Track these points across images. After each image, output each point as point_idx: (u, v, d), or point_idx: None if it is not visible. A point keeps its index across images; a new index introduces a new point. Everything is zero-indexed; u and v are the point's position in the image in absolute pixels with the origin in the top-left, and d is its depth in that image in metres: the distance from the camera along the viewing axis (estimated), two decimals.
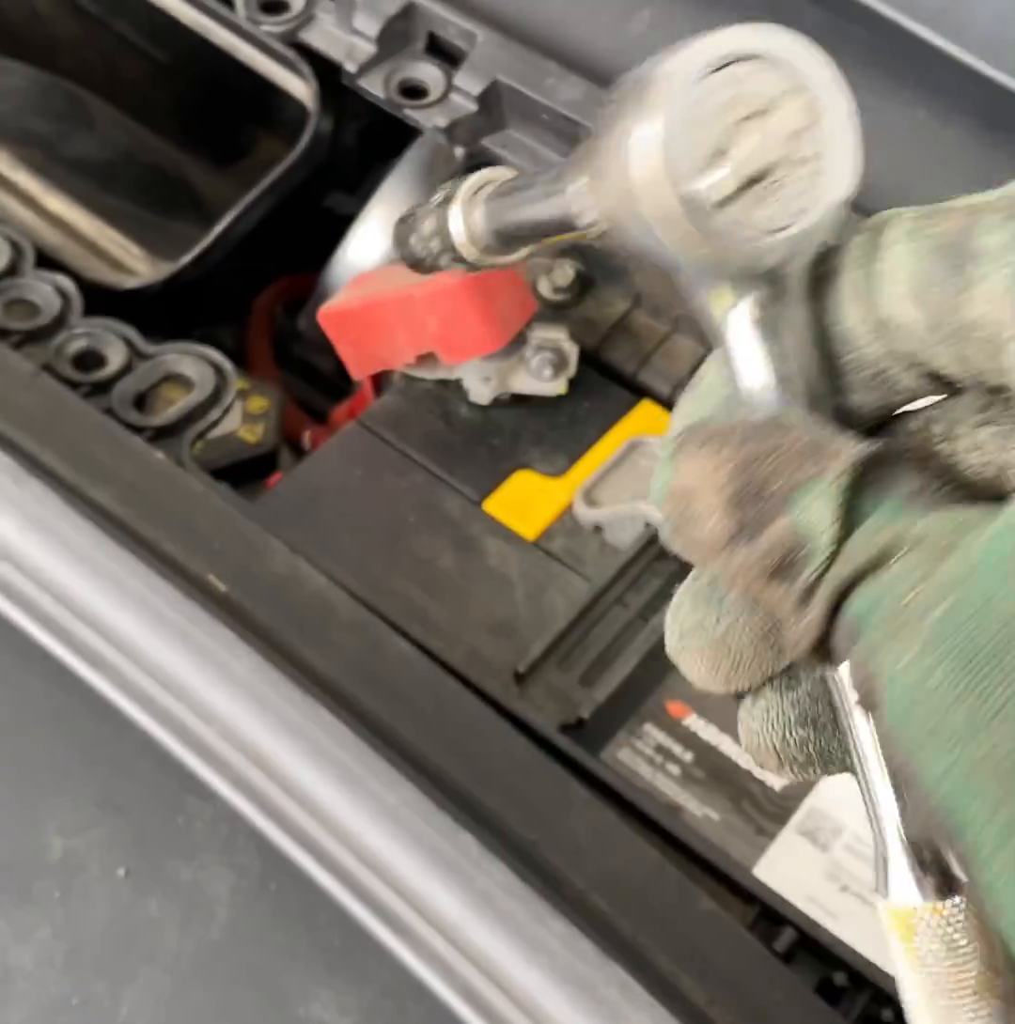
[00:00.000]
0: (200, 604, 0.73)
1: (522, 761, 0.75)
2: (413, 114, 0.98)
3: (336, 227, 1.18)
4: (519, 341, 0.98)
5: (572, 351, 0.99)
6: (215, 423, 0.90)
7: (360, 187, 1.28)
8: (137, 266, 1.09)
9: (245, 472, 1.04)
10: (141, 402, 0.91)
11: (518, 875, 0.66)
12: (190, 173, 1.42)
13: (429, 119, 0.98)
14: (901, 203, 0.36)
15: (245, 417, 1.07)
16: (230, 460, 1.04)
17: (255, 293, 1.31)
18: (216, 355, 0.93)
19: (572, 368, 0.99)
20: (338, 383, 1.21)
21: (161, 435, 0.89)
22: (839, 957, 0.72)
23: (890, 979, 0.73)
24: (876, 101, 0.79)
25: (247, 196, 1.05)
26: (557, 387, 0.99)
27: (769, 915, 0.75)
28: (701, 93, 0.33)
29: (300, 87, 1.14)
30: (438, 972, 0.67)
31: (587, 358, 1.05)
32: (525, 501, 0.96)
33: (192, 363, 0.92)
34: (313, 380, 1.25)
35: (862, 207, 0.36)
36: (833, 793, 0.83)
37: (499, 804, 0.72)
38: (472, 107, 0.97)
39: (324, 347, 1.22)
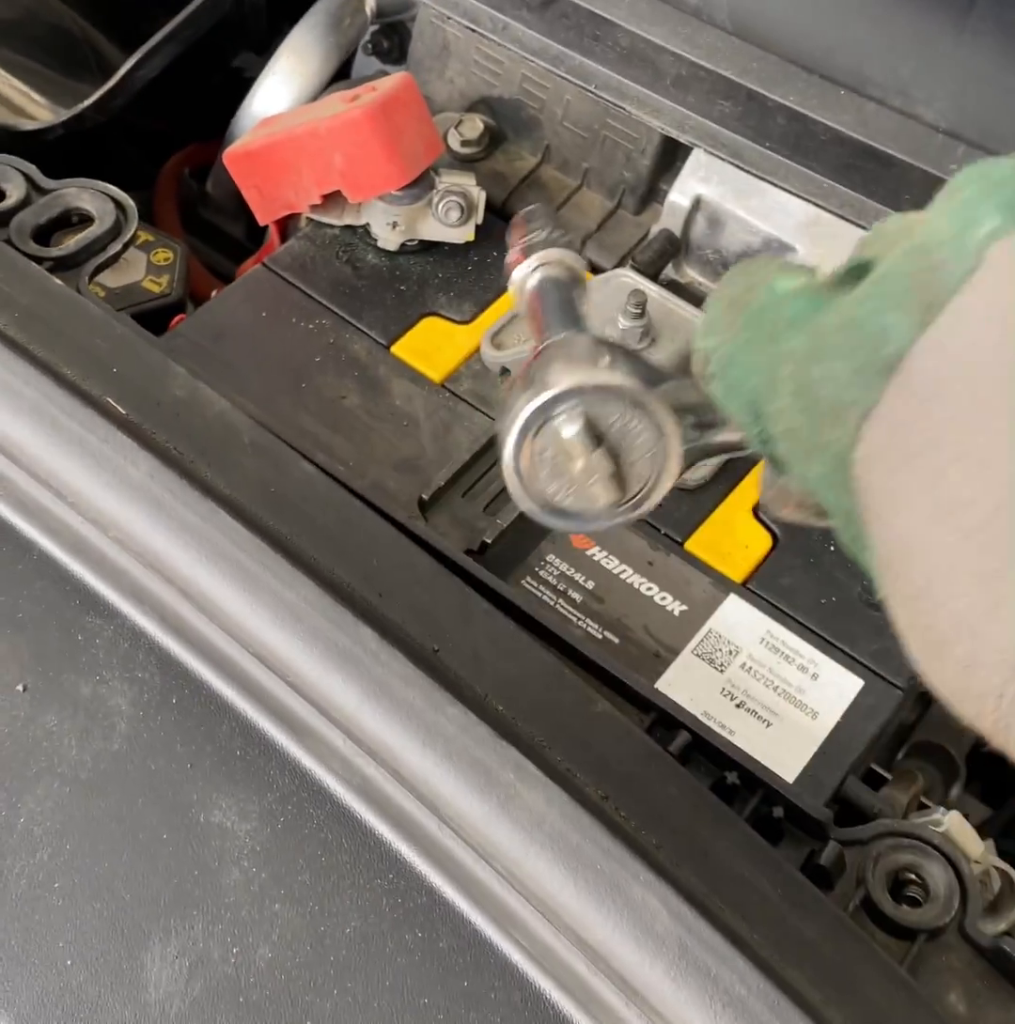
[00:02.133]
0: (97, 411, 0.72)
1: (424, 576, 0.75)
2: None
3: (245, 90, 1.17)
4: (427, 185, 0.97)
5: (480, 197, 0.98)
6: (116, 256, 0.89)
7: (270, 47, 1.26)
8: (40, 114, 1.07)
9: (150, 324, 1.03)
10: (40, 236, 0.90)
11: (416, 663, 0.66)
12: (101, 44, 1.39)
13: None
14: None
15: (150, 268, 1.06)
16: (134, 310, 1.02)
17: (164, 162, 1.29)
18: (117, 191, 0.91)
19: (480, 214, 0.98)
20: (246, 247, 1.20)
21: (60, 267, 0.88)
22: (732, 759, 0.74)
23: (783, 781, 0.75)
24: None
25: (151, 40, 1.03)
26: (465, 233, 0.99)
27: (665, 721, 0.76)
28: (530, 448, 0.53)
29: None
30: (336, 772, 0.67)
31: (497, 211, 1.05)
32: (433, 346, 0.95)
33: (91, 198, 0.91)
34: (221, 245, 1.23)
35: None
36: (730, 619, 0.85)
37: (400, 616, 0.73)
38: None
39: (232, 211, 1.21)
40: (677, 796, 0.70)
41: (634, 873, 0.61)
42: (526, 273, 0.65)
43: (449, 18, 0.94)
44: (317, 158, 0.92)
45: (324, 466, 0.80)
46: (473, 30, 0.93)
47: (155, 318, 1.03)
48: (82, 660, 0.74)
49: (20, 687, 0.74)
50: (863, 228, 0.86)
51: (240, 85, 1.20)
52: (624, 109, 0.91)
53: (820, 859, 0.71)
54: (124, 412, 0.79)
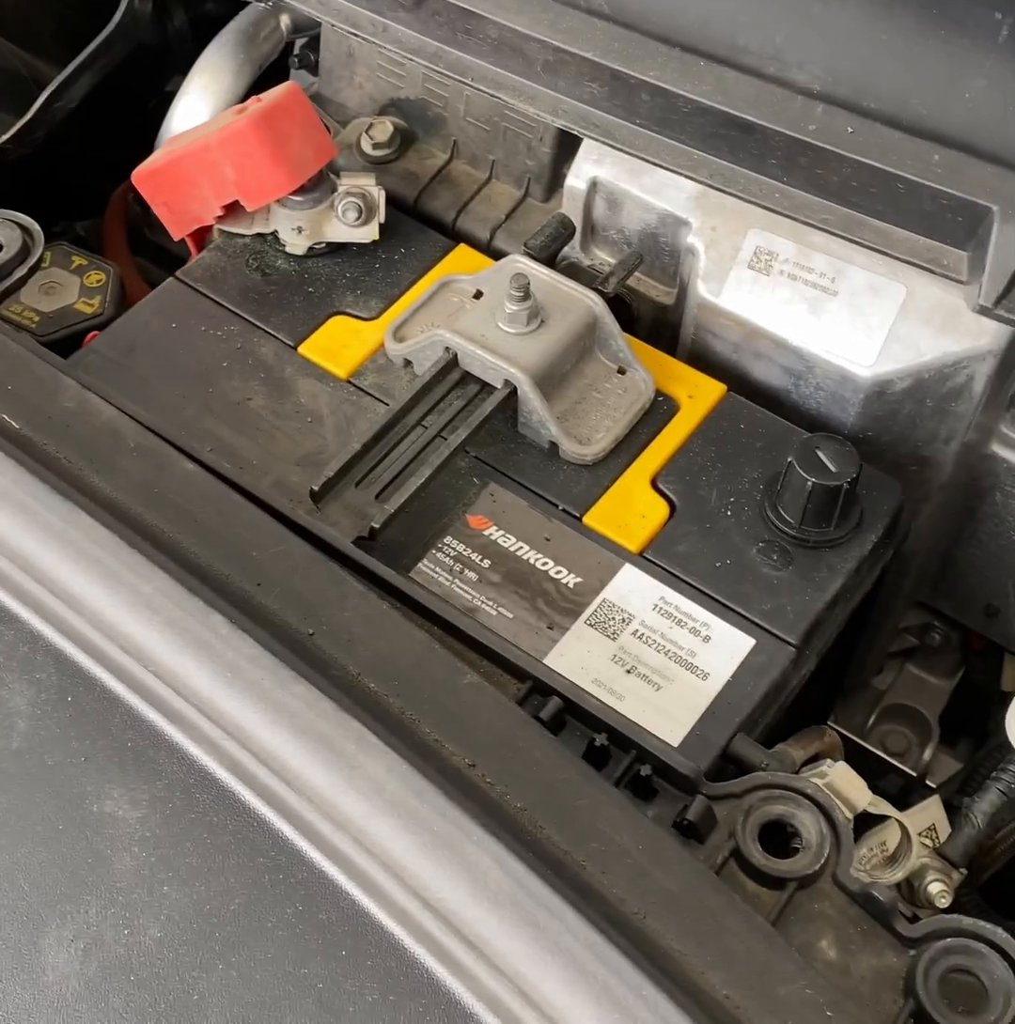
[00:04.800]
0: None
1: (300, 563, 0.78)
2: None
3: None
4: (328, 188, 1.00)
5: (380, 196, 1.01)
6: (22, 280, 0.93)
7: None
8: None
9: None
10: None
11: (265, 645, 0.69)
12: (47, 80, 1.43)
13: None
14: None
15: (82, 290, 1.10)
16: (67, 331, 1.06)
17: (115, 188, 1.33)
18: (23, 218, 0.95)
19: (381, 213, 1.01)
20: None
21: None
22: (604, 722, 0.75)
23: (653, 740, 0.76)
24: None
25: (64, 70, 1.07)
26: (369, 233, 1.01)
27: (540, 689, 0.78)
28: None
29: None
30: (211, 754, 0.70)
31: (409, 210, 1.08)
32: (339, 343, 0.98)
33: None
34: (168, 264, 1.27)
35: None
36: (624, 588, 0.86)
37: (276, 604, 0.76)
38: None
39: None
40: (542, 760, 0.71)
41: (467, 832, 0.63)
42: None
43: (334, 25, 0.97)
44: (212, 171, 0.96)
45: (210, 464, 0.83)
46: (355, 34, 0.96)
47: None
48: None
49: None
50: (735, 196, 0.87)
51: None
52: (501, 99, 0.93)
53: (689, 814, 0.72)
54: (18, 427, 0.83)
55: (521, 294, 0.90)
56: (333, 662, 0.74)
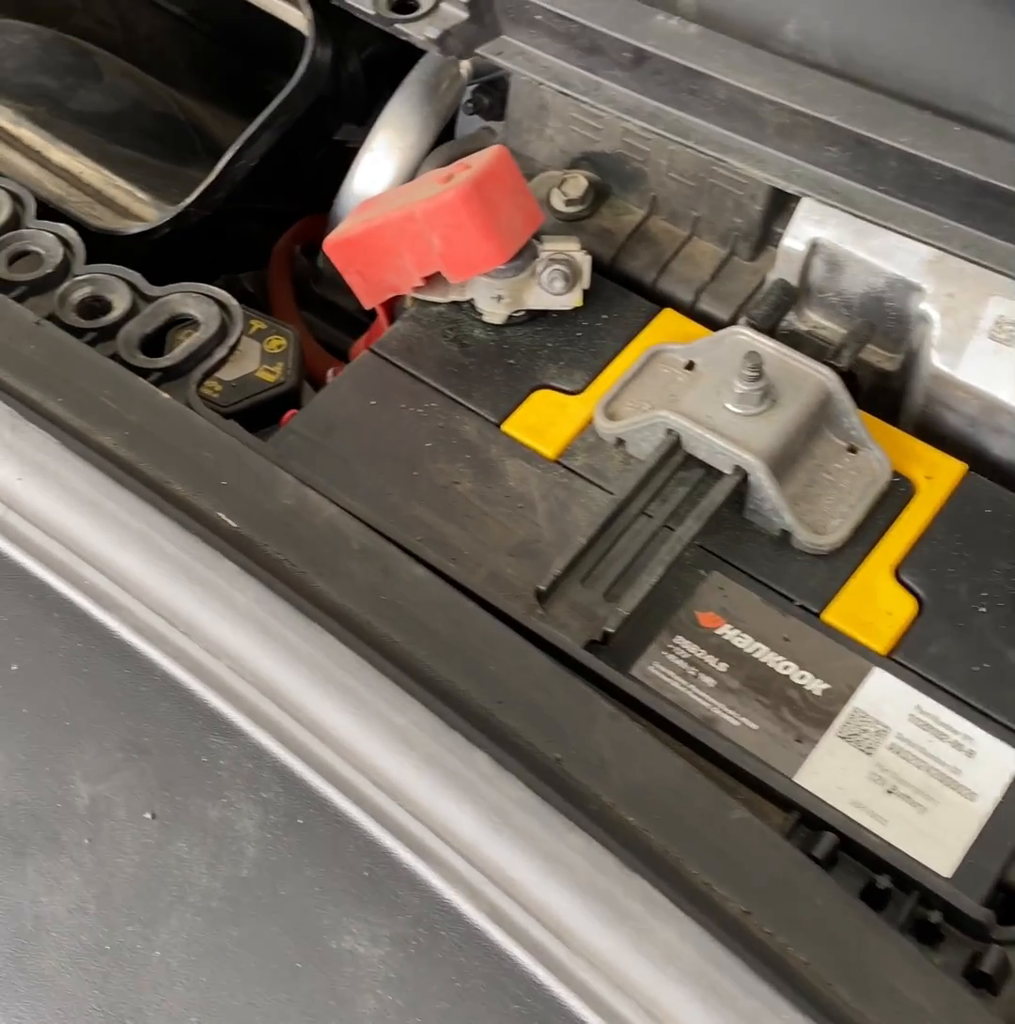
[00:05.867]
0: (200, 537, 0.72)
1: (542, 678, 0.73)
2: (403, 28, 0.95)
3: (350, 161, 1.16)
4: (530, 255, 0.95)
5: (585, 261, 0.95)
6: (223, 361, 0.89)
7: (371, 118, 1.25)
8: (145, 212, 1.08)
9: (268, 413, 1.03)
10: (149, 346, 0.90)
11: (536, 791, 0.64)
12: (207, 122, 1.40)
13: (420, 32, 0.95)
14: None
15: (264, 357, 1.05)
16: (251, 401, 1.02)
17: (276, 238, 1.29)
18: (221, 293, 0.91)
19: (586, 279, 0.95)
20: (361, 321, 1.19)
21: (168, 376, 0.88)
22: (883, 860, 0.70)
23: (939, 880, 0.70)
24: None
25: (247, 130, 1.03)
26: (572, 300, 0.96)
27: (808, 821, 0.72)
28: None
29: (297, 16, 1.12)
30: (464, 894, 0.65)
31: (606, 270, 1.02)
32: (545, 420, 0.93)
33: (196, 302, 0.91)
34: (336, 320, 1.23)
35: None
36: (876, 695, 0.80)
37: (520, 723, 0.70)
38: (463, 15, 0.94)
39: (344, 286, 1.20)
40: (824, 907, 0.66)
41: (776, 1009, 0.58)
42: None
43: (542, 83, 0.91)
44: (416, 242, 0.91)
45: (435, 564, 0.79)
46: (565, 93, 0.90)
47: (271, 407, 1.03)
48: (208, 783, 0.73)
49: (148, 814, 0.73)
50: (992, 269, 0.81)
51: (344, 157, 1.19)
52: (727, 162, 0.87)
53: (983, 965, 0.66)
54: (235, 525, 0.78)
55: (755, 374, 0.84)
56: (585, 791, 0.69)
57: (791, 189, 0.86)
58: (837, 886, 0.67)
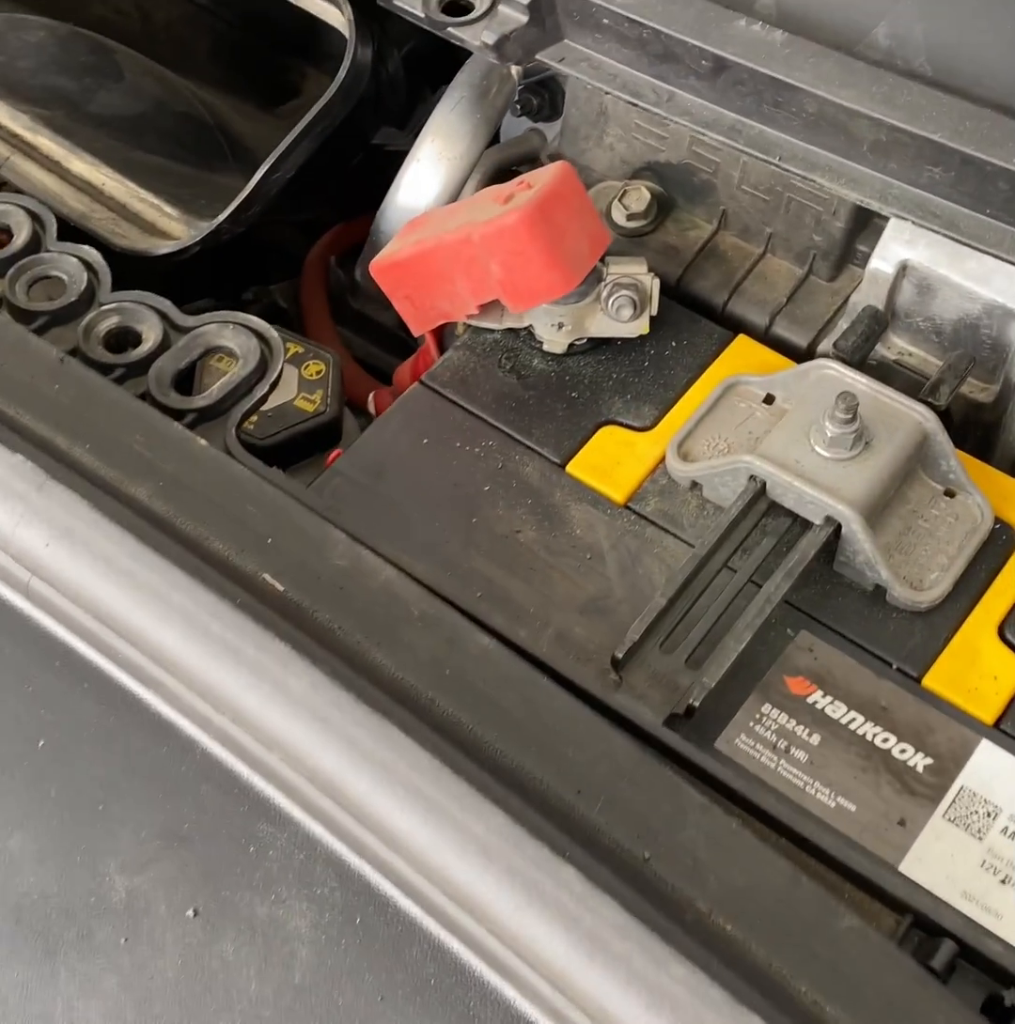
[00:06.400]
0: (250, 615, 0.65)
1: (625, 765, 0.66)
2: (458, 32, 0.87)
3: (388, 165, 1.08)
4: (593, 279, 0.87)
5: (653, 285, 0.88)
6: (263, 399, 0.82)
7: (411, 120, 1.17)
8: (173, 228, 1.00)
9: (307, 444, 0.96)
10: (181, 381, 0.83)
11: (629, 908, 0.57)
12: (231, 120, 1.32)
13: (475, 36, 0.87)
14: None
15: (302, 384, 0.98)
16: (289, 433, 0.95)
17: (309, 246, 1.21)
18: (259, 323, 0.83)
19: (654, 305, 0.88)
20: (403, 337, 1.12)
21: (204, 417, 0.81)
22: (1006, 969, 0.63)
23: None
24: None
25: (283, 141, 0.95)
26: (639, 327, 0.88)
27: (922, 925, 0.65)
28: None
29: (336, 15, 1.04)
30: (549, 1016, 0.59)
31: (671, 291, 0.94)
32: (612, 460, 0.85)
33: (234, 334, 0.83)
34: (375, 336, 1.16)
35: None
36: (985, 772, 0.73)
37: (603, 818, 0.64)
38: (522, 18, 0.86)
39: (384, 300, 1.13)
40: None
41: None
42: None
43: (608, 92, 0.84)
44: (472, 267, 0.83)
45: (501, 630, 0.72)
46: (634, 104, 0.82)
47: (310, 439, 0.96)
48: (256, 876, 0.67)
49: (190, 911, 0.67)
50: None
51: (382, 161, 1.12)
52: (815, 181, 0.79)
53: None
54: (282, 589, 0.71)
55: (849, 416, 0.77)
56: (678, 896, 0.62)
57: (887, 211, 0.78)
58: (958, 1002, 0.60)
